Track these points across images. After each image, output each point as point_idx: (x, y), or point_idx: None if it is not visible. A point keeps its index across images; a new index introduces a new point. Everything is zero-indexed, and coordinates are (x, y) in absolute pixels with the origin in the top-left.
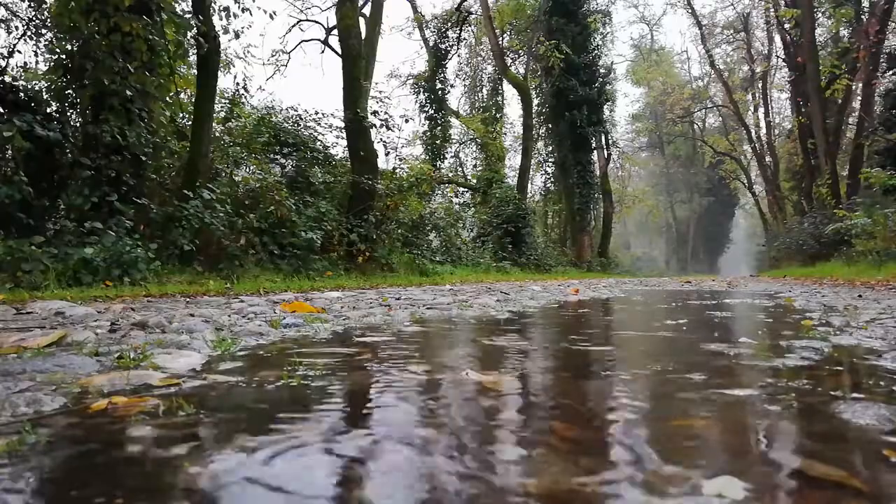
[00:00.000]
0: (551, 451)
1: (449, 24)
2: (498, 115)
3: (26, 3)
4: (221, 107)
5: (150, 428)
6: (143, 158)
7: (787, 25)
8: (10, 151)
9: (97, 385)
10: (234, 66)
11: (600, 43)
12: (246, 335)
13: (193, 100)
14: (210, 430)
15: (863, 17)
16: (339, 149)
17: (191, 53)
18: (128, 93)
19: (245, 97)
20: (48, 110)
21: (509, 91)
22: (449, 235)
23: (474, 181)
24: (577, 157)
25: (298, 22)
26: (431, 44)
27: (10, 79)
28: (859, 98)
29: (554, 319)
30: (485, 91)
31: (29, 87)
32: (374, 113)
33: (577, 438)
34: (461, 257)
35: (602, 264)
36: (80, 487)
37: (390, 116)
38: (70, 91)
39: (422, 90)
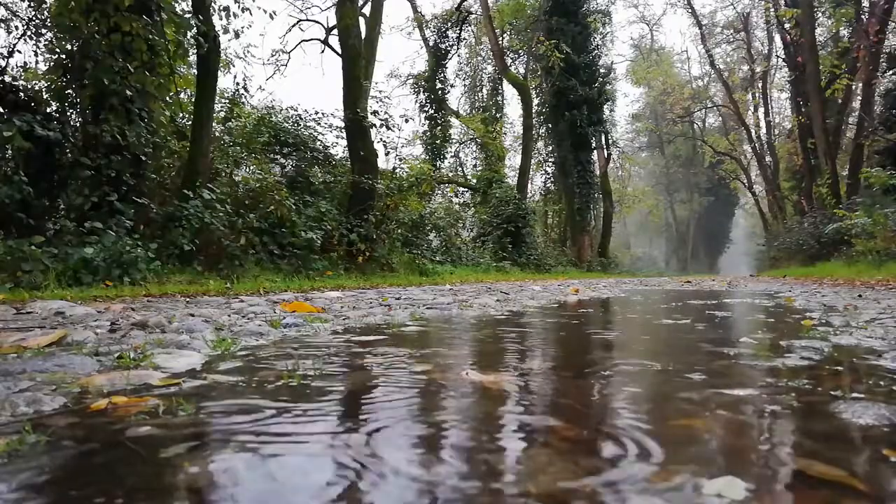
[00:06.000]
0: (551, 451)
1: (449, 23)
2: (498, 115)
3: (26, 3)
4: (221, 107)
5: (149, 428)
6: (143, 158)
7: (787, 25)
8: (10, 151)
9: (97, 385)
10: (234, 66)
11: (600, 43)
12: (246, 335)
13: (193, 100)
14: (210, 429)
15: (863, 17)
16: (339, 149)
17: (191, 53)
18: (128, 93)
19: (245, 97)
20: (48, 110)
21: (509, 91)
22: (449, 235)
23: (474, 181)
24: (577, 157)
25: (298, 22)
26: (431, 44)
27: (10, 79)
28: (859, 98)
29: (554, 319)
30: (485, 91)
31: (29, 87)
32: (374, 113)
33: (577, 438)
34: (461, 257)
35: (602, 264)
36: (80, 487)
37: (390, 116)
38: (70, 91)
39: (422, 90)
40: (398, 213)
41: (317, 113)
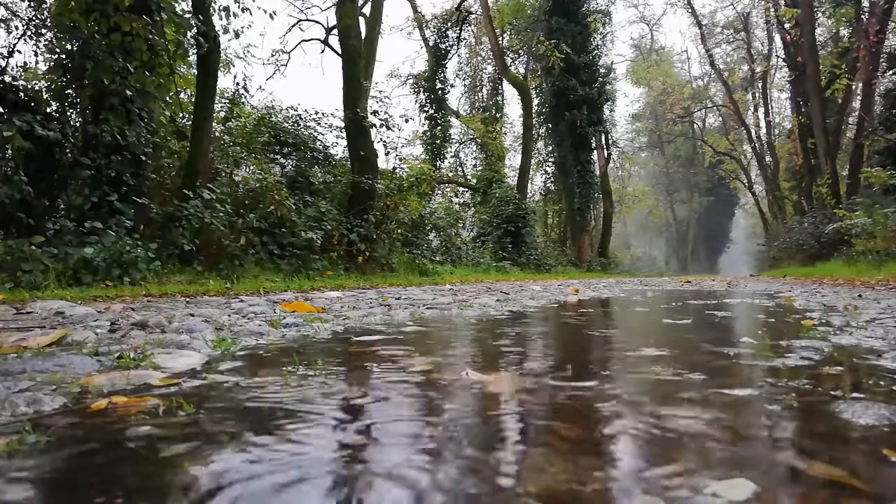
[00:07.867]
0: (551, 451)
1: (449, 23)
2: (498, 115)
3: (26, 3)
4: (221, 107)
5: (149, 428)
6: (143, 158)
7: (787, 25)
8: (10, 151)
9: (97, 385)
10: (234, 65)
11: (600, 43)
12: (246, 335)
13: (193, 100)
14: (210, 429)
15: (863, 17)
16: (339, 149)
17: (191, 53)
18: (128, 93)
19: (245, 97)
20: (48, 110)
21: (509, 91)
22: (449, 235)
23: (474, 181)
24: (577, 157)
25: (298, 22)
26: (431, 44)
27: (10, 79)
28: (859, 98)
29: (554, 319)
30: (485, 91)
31: (29, 87)
32: (374, 113)
33: (577, 438)
34: (461, 257)
35: (602, 264)
36: (80, 487)
37: (390, 116)
38: (70, 91)
39: (422, 90)
40: (398, 213)
41: (317, 113)
